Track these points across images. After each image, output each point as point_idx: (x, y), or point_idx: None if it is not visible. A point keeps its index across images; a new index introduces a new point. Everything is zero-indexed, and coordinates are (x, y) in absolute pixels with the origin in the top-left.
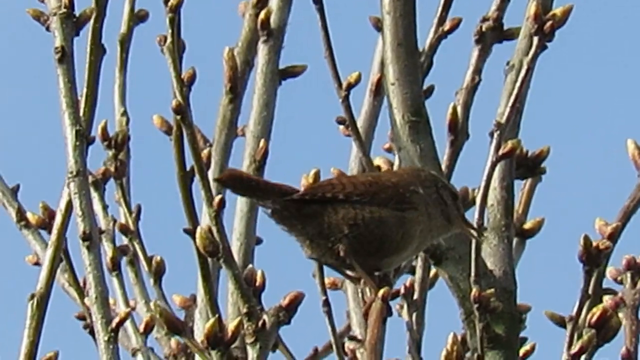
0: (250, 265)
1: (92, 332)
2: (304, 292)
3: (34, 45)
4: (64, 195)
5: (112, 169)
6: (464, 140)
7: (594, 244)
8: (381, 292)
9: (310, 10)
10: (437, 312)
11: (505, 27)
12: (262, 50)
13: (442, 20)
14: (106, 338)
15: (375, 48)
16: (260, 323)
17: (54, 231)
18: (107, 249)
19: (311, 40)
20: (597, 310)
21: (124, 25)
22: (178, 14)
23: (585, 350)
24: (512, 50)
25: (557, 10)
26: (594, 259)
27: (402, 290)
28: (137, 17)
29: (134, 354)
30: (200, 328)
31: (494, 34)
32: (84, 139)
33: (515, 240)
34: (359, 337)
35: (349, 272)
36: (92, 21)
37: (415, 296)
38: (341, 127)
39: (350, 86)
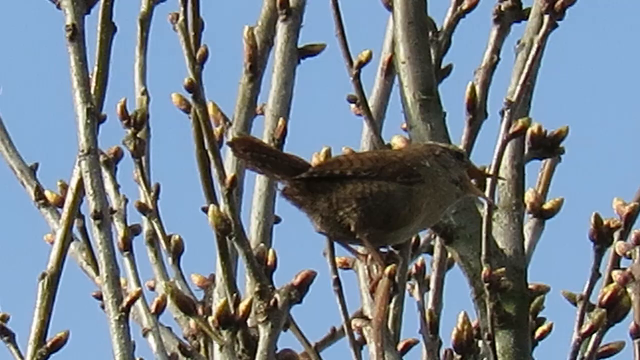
0: (261, 244)
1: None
2: (316, 271)
3: (46, 23)
4: (76, 174)
5: (131, 147)
6: (482, 119)
7: (605, 222)
8: (388, 269)
9: None
10: (456, 293)
11: (523, 7)
12: (281, 29)
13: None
14: (117, 317)
15: (387, 27)
16: (271, 302)
17: (65, 209)
18: (118, 229)
19: (329, 19)
20: (607, 290)
21: (144, 4)
22: None
23: (596, 330)
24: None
25: None
26: (604, 237)
27: (414, 270)
28: None
29: (145, 335)
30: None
31: (512, 13)
32: (94, 117)
33: (534, 221)
34: (370, 317)
35: (357, 249)
36: None
37: (433, 275)
38: (353, 106)
39: (361, 64)
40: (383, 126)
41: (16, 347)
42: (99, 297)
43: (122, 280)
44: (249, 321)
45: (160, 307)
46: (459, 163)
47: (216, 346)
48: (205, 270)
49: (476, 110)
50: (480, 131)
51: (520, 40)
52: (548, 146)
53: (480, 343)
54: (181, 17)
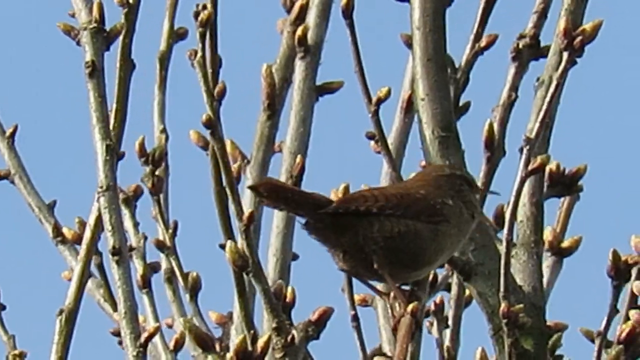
0: (279, 281)
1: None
2: (334, 307)
3: (65, 60)
4: (94, 210)
5: (149, 185)
6: (500, 157)
7: (623, 258)
8: (410, 306)
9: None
10: (473, 330)
11: (542, 45)
12: (299, 66)
13: (478, 37)
14: (135, 353)
15: (406, 65)
16: (289, 338)
17: (83, 246)
18: (137, 267)
19: (348, 56)
20: (626, 327)
21: (164, 43)
22: (212, 29)
23: None
24: (544, 68)
25: (587, 25)
26: (622, 273)
27: (432, 307)
28: (177, 35)
29: None
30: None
31: (530, 51)
32: (114, 154)
33: (552, 259)
34: (389, 354)
35: (378, 287)
36: (121, 36)
37: (450, 312)
38: (372, 142)
39: (380, 101)
40: (402, 163)
41: None
42: (117, 333)
43: (141, 318)
44: (266, 358)
45: (179, 344)
46: (472, 192)
47: None
48: (222, 308)
49: (494, 147)
50: (499, 169)
51: (539, 78)
52: (566, 184)
53: None
54: (199, 54)
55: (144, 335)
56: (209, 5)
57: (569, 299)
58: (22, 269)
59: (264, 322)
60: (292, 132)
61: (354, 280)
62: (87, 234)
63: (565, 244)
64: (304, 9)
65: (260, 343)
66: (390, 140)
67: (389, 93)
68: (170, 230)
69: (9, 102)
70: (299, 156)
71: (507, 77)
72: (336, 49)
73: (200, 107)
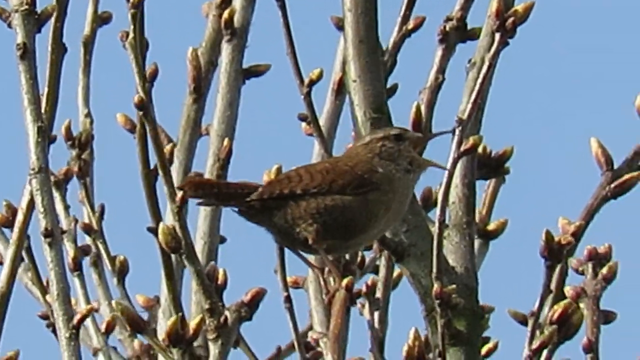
0: (212, 262)
1: (54, 331)
2: (266, 289)
3: None
4: (26, 193)
5: (76, 168)
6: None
7: (556, 239)
8: (345, 281)
9: (273, 10)
10: (401, 312)
11: (469, 27)
12: (225, 49)
13: (405, 19)
14: (67, 335)
15: (337, 47)
16: (222, 319)
17: (15, 229)
18: (68, 249)
19: (275, 39)
20: (558, 307)
21: (88, 27)
22: (141, 11)
23: (546, 346)
24: (475, 50)
25: (519, 6)
26: (555, 254)
27: (364, 289)
28: (101, 19)
29: (95, 354)
30: (164, 328)
31: (457, 33)
32: (45, 136)
33: (478, 242)
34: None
35: (312, 261)
36: (53, 20)
37: (379, 295)
38: (304, 124)
39: (312, 83)
40: (334, 145)
41: None
42: (44, 317)
43: (72, 300)
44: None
45: (111, 327)
46: (402, 145)
47: None
48: (149, 292)
49: (421, 129)
50: (426, 151)
51: (471, 59)
52: (493, 166)
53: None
54: (131, 35)
55: (77, 317)
56: None
57: (495, 282)
58: None
59: (192, 305)
60: (219, 115)
61: (287, 261)
62: (20, 217)
63: (492, 226)
64: None
65: (193, 324)
66: (322, 122)
67: (321, 75)
68: (97, 214)
69: None
70: (226, 139)
71: (434, 60)
72: (263, 32)
73: (126, 91)
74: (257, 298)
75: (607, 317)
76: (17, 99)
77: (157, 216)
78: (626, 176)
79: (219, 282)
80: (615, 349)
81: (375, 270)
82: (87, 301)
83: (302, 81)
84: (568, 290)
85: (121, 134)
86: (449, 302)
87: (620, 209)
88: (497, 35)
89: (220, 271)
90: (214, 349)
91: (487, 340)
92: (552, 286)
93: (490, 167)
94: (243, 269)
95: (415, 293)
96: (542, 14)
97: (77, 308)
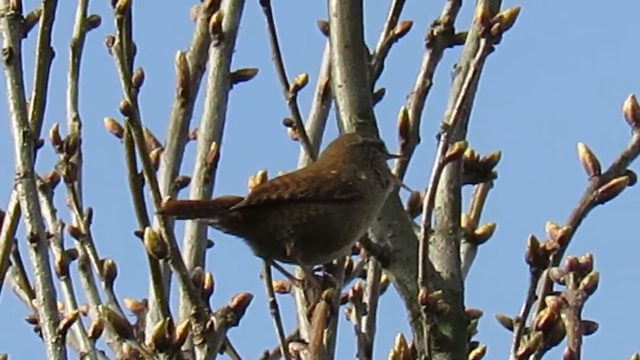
0: (198, 267)
1: (42, 335)
2: (253, 294)
3: None
4: (13, 198)
5: (64, 172)
6: (415, 144)
7: (541, 245)
8: (325, 292)
9: (261, 14)
10: (389, 317)
11: (456, 32)
12: (213, 53)
13: (392, 24)
14: (54, 340)
15: (323, 52)
16: (208, 324)
17: (2, 234)
18: (55, 253)
19: (262, 44)
20: (544, 314)
21: (76, 30)
22: (127, 16)
23: (532, 352)
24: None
25: (504, 12)
26: (541, 260)
27: (351, 294)
28: (89, 23)
29: (82, 358)
30: (152, 332)
31: (445, 38)
32: (31, 141)
33: (466, 246)
34: (307, 340)
35: (295, 274)
36: (40, 24)
37: (366, 299)
38: (289, 129)
39: (297, 88)
40: (320, 150)
41: None
42: (33, 321)
43: (59, 305)
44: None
45: (97, 331)
46: (383, 155)
47: None
48: (137, 296)
49: (409, 134)
50: (413, 156)
51: (456, 64)
52: (480, 171)
53: None
54: (117, 40)
55: (63, 322)
56: None
57: (483, 286)
58: None
59: (180, 309)
60: (207, 119)
61: (272, 267)
62: (7, 222)
63: (479, 230)
64: None
65: (179, 329)
66: (308, 127)
67: (306, 80)
68: (85, 218)
69: None
70: (213, 143)
71: (421, 64)
72: (250, 36)
73: (114, 95)
74: (243, 303)
75: (589, 327)
76: (2, 104)
77: (145, 220)
78: (613, 181)
79: (205, 287)
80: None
81: (363, 275)
82: (74, 305)
83: (287, 86)
84: (549, 300)
85: (109, 138)
86: (434, 307)
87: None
88: (483, 41)
89: (207, 276)
90: (200, 354)
91: (475, 345)
92: (539, 292)
93: (477, 171)
94: (230, 274)
95: (401, 298)
96: (527, 19)
97: (64, 312)
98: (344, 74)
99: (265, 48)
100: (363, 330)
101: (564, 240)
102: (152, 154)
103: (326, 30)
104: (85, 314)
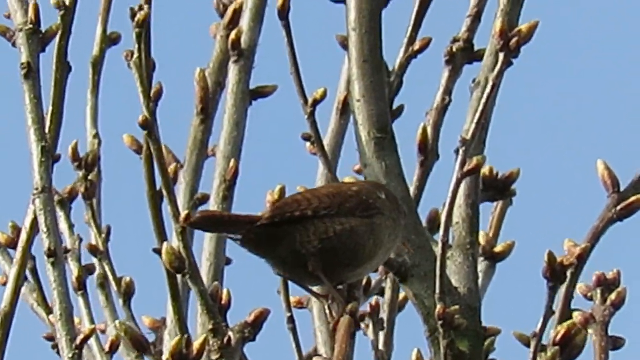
0: (215, 283)
1: (59, 352)
2: (270, 309)
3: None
4: (29, 213)
5: (82, 189)
6: (434, 160)
7: (559, 260)
8: (349, 306)
9: (280, 31)
10: (407, 335)
11: (475, 48)
12: (232, 70)
13: (412, 40)
14: (70, 355)
15: (342, 67)
16: (225, 340)
17: (19, 249)
18: (73, 269)
19: (281, 60)
20: (561, 329)
21: (96, 48)
22: (147, 31)
23: None
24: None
25: (523, 26)
26: (558, 275)
27: (369, 309)
28: (110, 40)
29: None
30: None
31: (464, 54)
32: (49, 156)
33: (485, 264)
34: (325, 356)
35: (315, 290)
36: (57, 38)
37: (384, 317)
38: (308, 144)
39: (316, 102)
40: (338, 165)
41: None
42: (50, 338)
43: (76, 320)
44: None
45: (114, 346)
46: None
47: None
48: (155, 313)
49: (428, 151)
50: (432, 172)
51: (475, 79)
52: (499, 188)
53: None
54: (136, 55)
55: (80, 337)
56: (145, 7)
57: (502, 304)
58: None
59: (198, 327)
60: (226, 136)
61: (290, 282)
62: (23, 237)
63: (499, 248)
64: (237, 13)
65: (197, 345)
66: (326, 141)
67: (324, 94)
68: (104, 235)
69: None
70: (232, 160)
71: (440, 81)
72: (269, 52)
73: (133, 111)
74: (261, 319)
75: (616, 343)
76: (21, 119)
77: (163, 237)
78: (633, 198)
79: (223, 302)
80: None
81: (381, 293)
82: (92, 321)
83: (306, 101)
84: (577, 316)
85: (128, 154)
86: (452, 322)
87: (626, 231)
88: (501, 55)
89: (224, 291)
90: None
91: None
92: (557, 307)
93: (497, 189)
94: (247, 290)
95: (419, 314)
96: (546, 33)
97: (81, 328)
98: (363, 88)
99: (284, 64)
100: (380, 347)
101: (582, 258)
102: (171, 168)
103: (345, 45)
104: (103, 332)
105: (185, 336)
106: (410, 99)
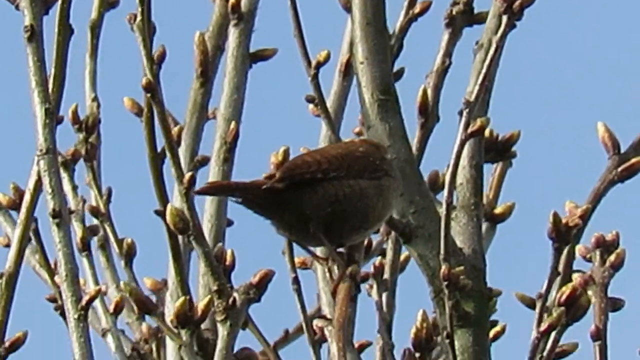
0: (219, 244)
1: (62, 314)
2: (274, 270)
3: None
4: (33, 174)
5: (83, 152)
6: (434, 123)
7: (564, 220)
8: (350, 269)
9: None
10: (408, 297)
11: (475, 11)
12: (232, 34)
13: (412, 3)
14: (76, 316)
15: (345, 29)
16: (230, 301)
17: (23, 210)
18: (76, 229)
19: (281, 23)
20: (566, 289)
21: (95, 11)
22: None
23: (554, 328)
24: (482, 33)
25: None
26: (563, 236)
27: (372, 270)
28: (108, 3)
29: (104, 335)
30: (171, 311)
31: (464, 17)
32: (53, 117)
33: (485, 225)
34: (329, 316)
35: (317, 252)
36: (60, 1)
37: (386, 276)
38: (310, 106)
39: (319, 64)
40: (341, 127)
41: None
42: (52, 300)
43: (81, 281)
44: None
45: (119, 308)
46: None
47: (169, 350)
48: (156, 275)
49: (428, 113)
50: (432, 135)
51: (478, 41)
52: (499, 150)
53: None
54: (139, 18)
55: (85, 298)
56: None
57: (501, 265)
58: None
59: (199, 289)
60: (226, 98)
61: (295, 243)
62: (27, 198)
63: (499, 210)
64: None
65: (201, 306)
66: (329, 103)
67: (328, 57)
68: (104, 197)
69: None
70: (233, 122)
71: (440, 44)
72: (269, 16)
73: (133, 74)
74: (266, 280)
75: (615, 305)
76: (24, 81)
77: (164, 199)
78: (633, 160)
79: (227, 263)
80: (623, 336)
81: (382, 254)
82: (96, 282)
83: (309, 63)
84: (576, 277)
85: (128, 117)
86: (457, 283)
87: (625, 193)
88: (504, 18)
89: (229, 252)
90: (222, 331)
91: (494, 323)
92: (560, 268)
93: (496, 150)
94: (250, 251)
95: (423, 275)
96: None
97: (85, 289)
98: (366, 50)
99: (283, 27)
100: (383, 308)
101: (584, 219)
102: (174, 131)
103: (348, 7)
104: (105, 293)
105: (187, 297)
106: (410, 62)
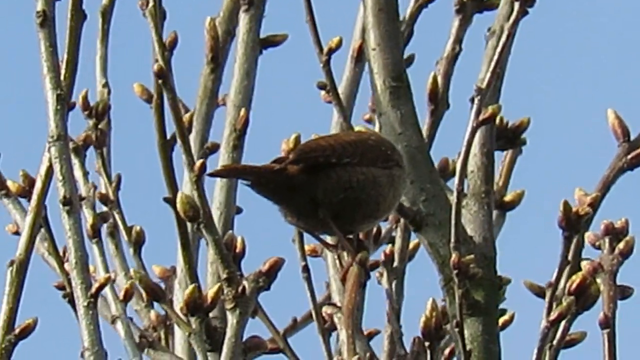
0: (230, 231)
1: (71, 302)
2: (284, 258)
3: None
4: (44, 161)
5: (93, 138)
6: (444, 110)
7: (574, 209)
8: (359, 256)
9: None
10: (416, 285)
11: None
12: (243, 19)
13: None
14: (85, 303)
15: (357, 15)
16: (240, 289)
17: (34, 197)
18: (87, 216)
19: (291, 9)
20: (576, 278)
21: None
22: None
23: (564, 317)
24: (493, 20)
25: None
26: (573, 224)
27: (382, 258)
28: None
29: (113, 322)
30: (180, 299)
31: (474, 3)
32: (65, 104)
33: (495, 213)
34: (338, 304)
35: (327, 239)
36: None
37: (395, 264)
38: (322, 92)
39: (331, 51)
40: (352, 113)
41: None
42: (61, 287)
43: (91, 268)
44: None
45: (129, 295)
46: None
47: (177, 337)
48: (165, 262)
49: (438, 100)
50: (442, 122)
51: (490, 28)
52: (509, 137)
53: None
54: (151, 3)
55: (95, 285)
56: None
57: (511, 253)
58: None
59: (208, 276)
60: (236, 85)
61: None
62: (38, 185)
63: (508, 197)
64: None
65: (211, 294)
66: (341, 90)
67: (340, 43)
68: (114, 184)
69: None
70: (242, 109)
71: (450, 30)
72: (279, 1)
73: (143, 61)
74: (275, 267)
75: (624, 292)
76: (35, 67)
77: (174, 186)
78: None
79: (237, 250)
80: (633, 324)
81: (391, 242)
82: (106, 269)
83: (321, 49)
84: (585, 265)
85: (138, 103)
86: (467, 272)
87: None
88: (517, 5)
89: (239, 240)
90: (232, 319)
91: (503, 312)
92: (569, 257)
93: (506, 138)
94: (260, 239)
95: (433, 263)
96: None
97: (95, 276)
98: (378, 37)
99: (293, 13)
100: (393, 295)
101: (593, 207)
102: (186, 117)
103: None
104: (114, 280)
105: (196, 285)
106: (420, 48)
